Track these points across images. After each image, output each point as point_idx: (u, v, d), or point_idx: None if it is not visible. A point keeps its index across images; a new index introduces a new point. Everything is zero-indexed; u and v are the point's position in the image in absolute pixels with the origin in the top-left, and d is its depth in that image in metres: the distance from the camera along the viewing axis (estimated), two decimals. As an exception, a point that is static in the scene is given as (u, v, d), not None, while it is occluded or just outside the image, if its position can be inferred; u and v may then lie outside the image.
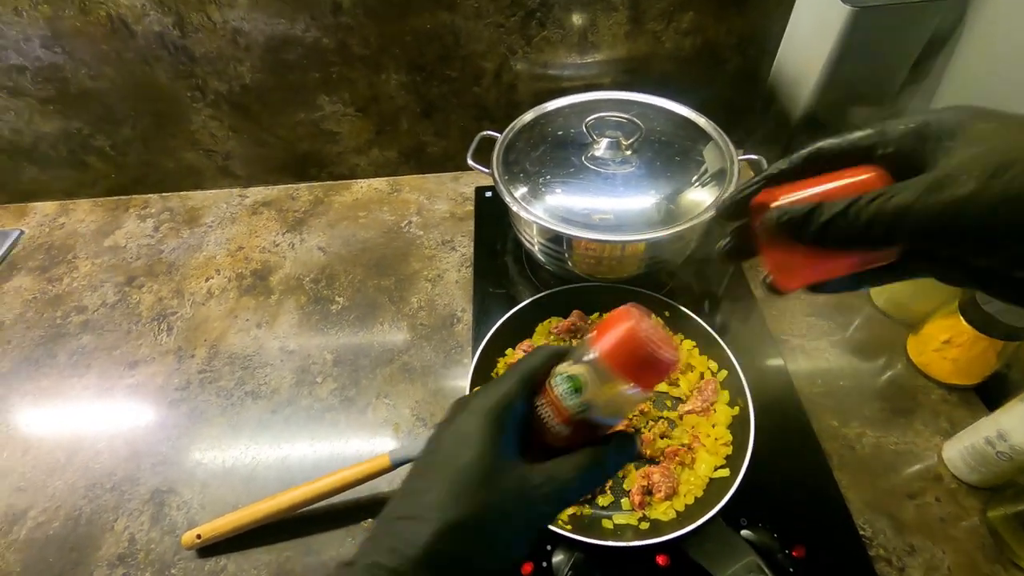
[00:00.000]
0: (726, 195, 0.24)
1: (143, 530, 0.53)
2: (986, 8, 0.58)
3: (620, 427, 0.33)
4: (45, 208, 0.88)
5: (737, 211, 0.29)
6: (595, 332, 0.29)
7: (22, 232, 0.84)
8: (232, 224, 0.83)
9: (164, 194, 0.89)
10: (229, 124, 0.79)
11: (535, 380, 0.30)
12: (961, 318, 0.54)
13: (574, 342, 0.61)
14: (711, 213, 0.57)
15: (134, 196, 0.89)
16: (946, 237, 0.22)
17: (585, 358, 0.28)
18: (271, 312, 0.71)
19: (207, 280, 0.75)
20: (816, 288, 0.28)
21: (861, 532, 0.49)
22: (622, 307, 0.29)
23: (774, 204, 0.26)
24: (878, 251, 0.25)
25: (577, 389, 0.28)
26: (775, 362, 0.61)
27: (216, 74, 0.73)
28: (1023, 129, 0.22)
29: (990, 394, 0.56)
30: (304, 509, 0.51)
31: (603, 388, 0.28)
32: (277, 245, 0.79)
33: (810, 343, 0.63)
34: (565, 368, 0.29)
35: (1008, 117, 0.23)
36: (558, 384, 0.29)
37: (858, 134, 0.26)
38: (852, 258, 0.26)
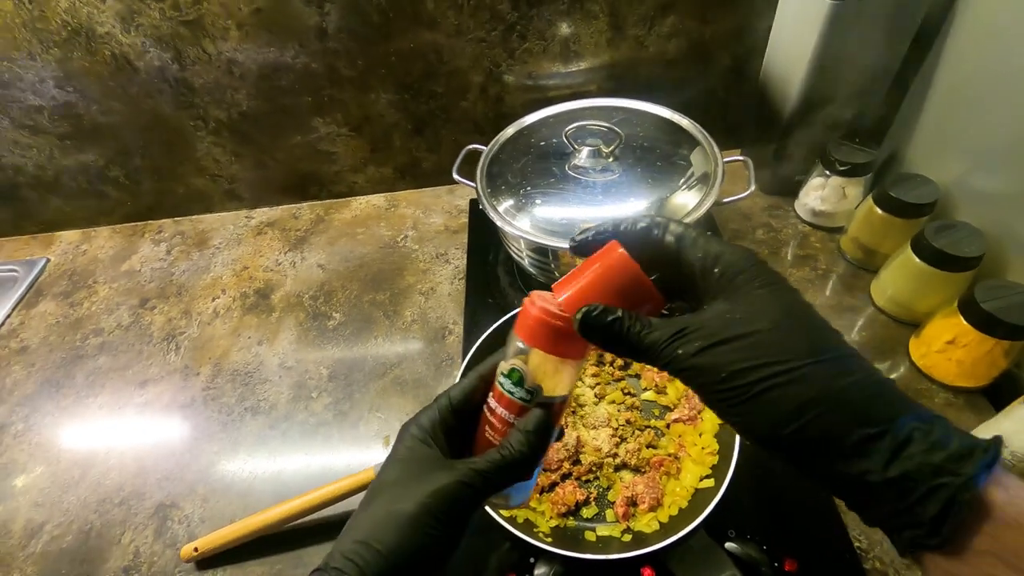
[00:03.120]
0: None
1: (147, 543, 0.55)
2: (977, -8, 0.55)
3: None
4: (69, 236, 0.93)
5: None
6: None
7: (48, 260, 0.90)
8: (238, 245, 0.86)
9: (177, 219, 0.93)
10: (231, 149, 0.82)
11: (466, 397, 0.32)
12: (962, 317, 0.52)
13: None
14: (696, 215, 0.56)
15: (149, 222, 0.93)
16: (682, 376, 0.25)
17: (513, 349, 0.30)
18: (272, 329, 0.73)
19: (213, 300, 0.79)
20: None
21: (856, 544, 0.47)
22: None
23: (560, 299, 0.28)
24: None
25: (519, 380, 0.29)
26: (769, 367, 0.60)
27: (215, 103, 0.76)
28: (764, 307, 0.24)
29: (1000, 396, 0.53)
30: (296, 522, 0.53)
31: (537, 369, 0.29)
32: (279, 264, 0.82)
33: (807, 346, 0.61)
34: (504, 366, 0.30)
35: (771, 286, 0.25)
36: (503, 383, 0.30)
37: (668, 238, 0.28)
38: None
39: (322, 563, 0.29)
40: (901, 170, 0.68)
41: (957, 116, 0.60)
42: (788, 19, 0.66)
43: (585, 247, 0.30)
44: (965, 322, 0.52)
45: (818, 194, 0.70)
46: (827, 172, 0.67)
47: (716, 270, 0.25)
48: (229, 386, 0.68)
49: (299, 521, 0.52)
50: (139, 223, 0.93)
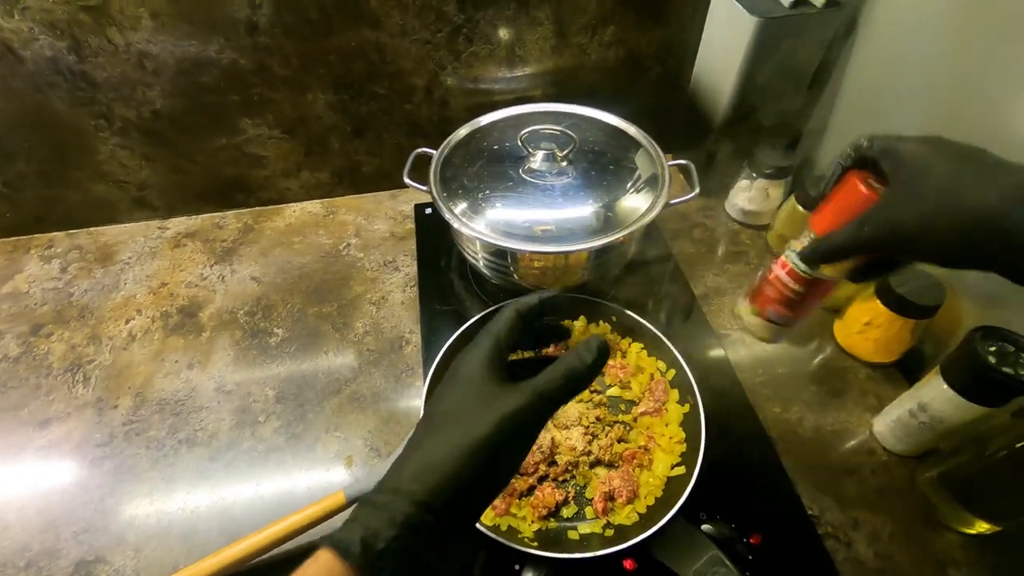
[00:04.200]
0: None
1: (68, 608, 0.48)
2: (874, 16, 0.63)
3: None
4: (-74, 255, 0.78)
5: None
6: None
7: (-101, 284, 0.75)
8: (152, 259, 0.77)
9: (71, 231, 0.81)
10: (141, 152, 0.73)
11: (511, 334, 0.34)
12: (879, 301, 0.59)
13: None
14: (649, 218, 0.59)
15: (35, 235, 0.80)
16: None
17: (806, 233, 0.40)
18: (203, 351, 0.66)
19: (127, 322, 0.69)
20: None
21: (809, 512, 0.51)
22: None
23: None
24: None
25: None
26: (717, 355, 0.64)
27: (122, 100, 0.68)
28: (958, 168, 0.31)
29: (909, 369, 0.61)
30: (256, 560, 0.48)
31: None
32: (205, 278, 0.74)
33: (748, 335, 0.66)
34: (796, 244, 0.40)
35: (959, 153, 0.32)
36: (791, 257, 0.40)
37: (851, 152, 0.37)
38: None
39: (379, 486, 0.29)
40: (813, 173, 0.76)
41: (861, 121, 0.69)
42: (716, 34, 0.71)
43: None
44: (880, 305, 0.59)
45: (745, 195, 0.76)
46: (753, 175, 0.74)
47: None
48: (156, 417, 0.60)
49: (263, 558, 0.47)
50: (22, 237, 0.80)
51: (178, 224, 0.82)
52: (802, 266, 0.40)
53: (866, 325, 0.61)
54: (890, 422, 0.54)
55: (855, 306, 0.62)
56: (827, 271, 0.40)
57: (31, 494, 0.55)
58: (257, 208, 0.83)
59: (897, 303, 0.57)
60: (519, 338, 0.35)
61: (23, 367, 0.65)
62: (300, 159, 0.79)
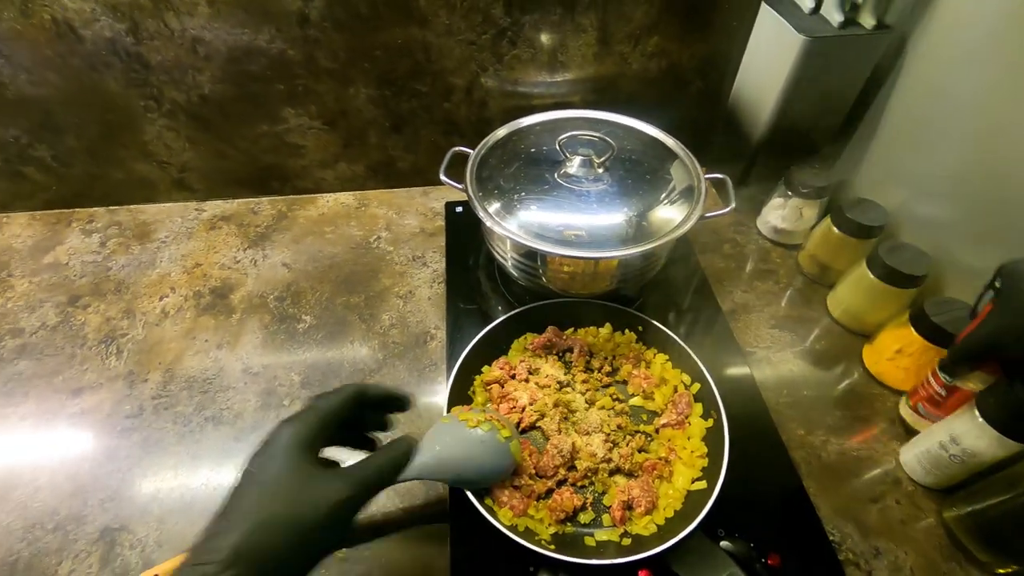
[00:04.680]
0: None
1: (91, 573, 0.49)
2: (924, 41, 0.63)
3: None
4: (-27, 222, 0.81)
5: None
6: None
7: (-53, 248, 0.77)
8: (188, 239, 0.79)
9: (112, 207, 0.83)
10: (186, 135, 0.75)
11: (339, 418, 0.38)
12: (912, 329, 0.58)
13: (549, 359, 0.61)
14: (683, 229, 0.59)
15: (77, 210, 0.83)
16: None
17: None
18: (232, 332, 0.67)
19: (161, 299, 0.71)
20: None
21: (831, 537, 0.51)
22: None
23: None
24: None
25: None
26: (743, 372, 0.63)
27: (173, 83, 0.70)
28: None
29: (939, 400, 0.60)
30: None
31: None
32: (238, 262, 0.76)
33: (775, 354, 0.65)
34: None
35: None
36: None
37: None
38: None
39: (195, 555, 0.31)
40: (851, 195, 0.75)
41: (901, 150, 0.68)
42: (761, 49, 0.71)
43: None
44: (913, 333, 0.58)
45: (779, 213, 0.76)
46: (788, 193, 0.73)
47: None
48: (185, 394, 0.61)
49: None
50: (65, 210, 0.83)
51: (214, 207, 0.84)
52: (944, 375, 0.52)
53: (897, 352, 0.60)
54: (919, 453, 0.53)
55: (886, 332, 0.62)
56: (969, 383, 0.51)
57: (62, 459, 0.56)
58: (292, 196, 0.85)
59: (932, 332, 0.56)
60: (340, 432, 0.38)
61: (60, 336, 0.67)
62: (338, 151, 0.80)
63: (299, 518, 0.31)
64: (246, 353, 0.65)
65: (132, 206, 0.83)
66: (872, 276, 0.62)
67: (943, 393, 0.53)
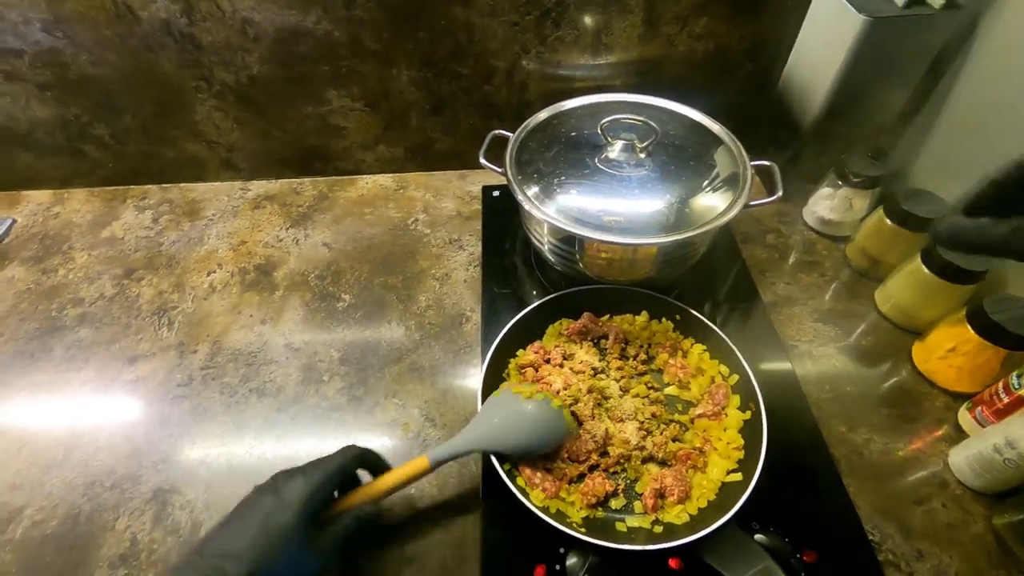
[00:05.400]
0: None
1: (145, 530, 0.52)
2: (999, 21, 0.59)
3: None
4: (39, 197, 0.86)
5: None
6: None
7: (14, 221, 0.82)
8: (234, 218, 0.82)
9: (164, 185, 0.87)
10: (234, 116, 0.78)
11: (344, 476, 0.46)
12: (967, 327, 0.55)
13: (584, 345, 0.61)
14: (727, 217, 0.57)
15: (132, 187, 0.87)
16: None
17: None
18: (275, 308, 0.70)
19: (209, 274, 0.74)
20: None
21: (870, 537, 0.49)
22: None
23: None
24: None
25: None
26: (783, 367, 0.62)
27: (223, 64, 0.71)
28: None
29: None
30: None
31: None
32: (281, 240, 0.78)
33: (817, 348, 0.64)
34: None
35: None
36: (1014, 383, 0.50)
37: None
38: None
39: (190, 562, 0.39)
40: (906, 186, 0.72)
41: (963, 140, 0.64)
42: (817, 31, 0.68)
43: None
44: (969, 330, 0.55)
45: (828, 203, 0.73)
46: (839, 183, 0.70)
47: None
48: (231, 366, 0.64)
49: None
50: (120, 187, 0.87)
51: (259, 187, 0.86)
52: (1015, 382, 0.50)
53: (950, 351, 0.57)
54: (970, 456, 0.51)
55: (939, 330, 0.59)
56: None
57: (120, 423, 0.60)
58: (333, 177, 0.87)
59: (990, 330, 0.53)
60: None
61: (116, 306, 0.71)
62: (379, 132, 0.81)
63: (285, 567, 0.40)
64: (288, 329, 0.67)
65: (182, 184, 0.87)
66: (927, 271, 0.59)
67: (1005, 400, 0.51)
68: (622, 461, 0.53)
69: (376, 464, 0.49)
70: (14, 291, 0.73)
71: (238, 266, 0.75)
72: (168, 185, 0.87)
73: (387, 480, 0.47)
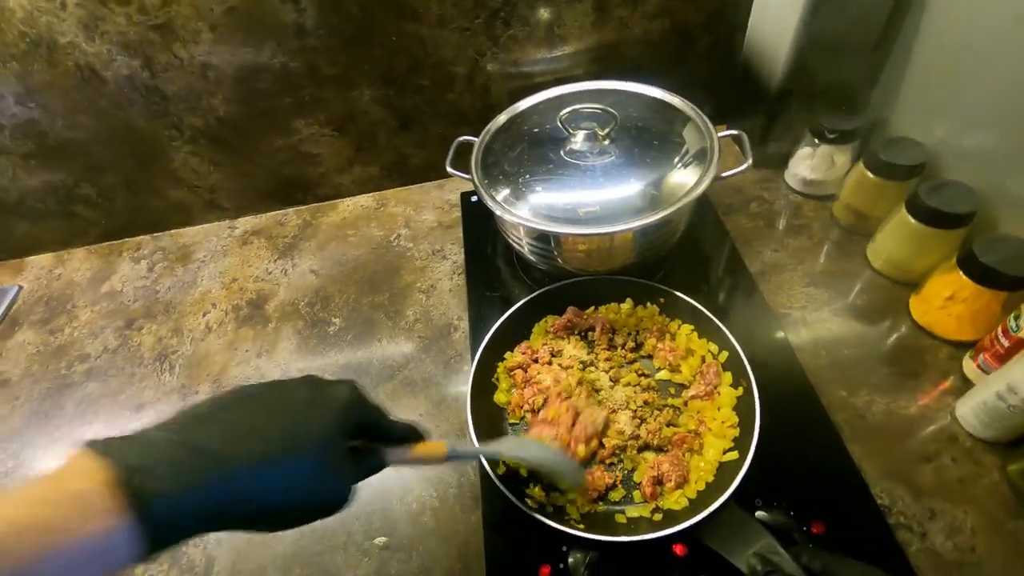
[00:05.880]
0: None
1: (163, 570, 0.53)
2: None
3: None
4: (41, 261, 0.89)
5: None
6: None
7: (20, 288, 0.85)
8: (224, 256, 0.84)
9: (155, 234, 0.89)
10: (209, 158, 0.79)
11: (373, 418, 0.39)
12: (961, 272, 0.53)
13: (571, 339, 0.61)
14: (696, 193, 0.56)
15: (126, 239, 0.89)
16: None
17: None
18: (270, 340, 0.71)
19: (204, 315, 0.76)
20: None
21: (879, 501, 0.48)
22: None
23: None
24: None
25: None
26: (777, 337, 0.60)
27: (190, 110, 0.73)
28: None
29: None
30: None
31: None
32: (270, 273, 0.80)
33: (811, 314, 0.62)
34: None
35: None
36: (1012, 325, 0.48)
37: None
38: None
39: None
40: (887, 135, 0.69)
41: (940, 78, 0.62)
42: (770, -8, 0.66)
43: None
44: (964, 277, 0.53)
45: (808, 163, 0.71)
46: (816, 141, 0.68)
47: None
48: (231, 402, 0.65)
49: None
50: (115, 242, 0.89)
51: (245, 223, 0.88)
52: (1013, 325, 0.48)
53: (948, 300, 0.56)
54: (975, 405, 0.49)
55: (935, 279, 0.57)
56: None
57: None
58: (314, 204, 0.88)
59: (983, 274, 0.51)
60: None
61: (120, 357, 0.73)
62: (351, 154, 0.82)
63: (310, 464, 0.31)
64: (283, 359, 0.69)
65: (172, 230, 0.89)
66: (913, 220, 0.58)
67: (1008, 346, 0.49)
68: (618, 452, 0.53)
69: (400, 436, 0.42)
70: (26, 355, 0.76)
71: (231, 303, 0.77)
72: (159, 233, 0.89)
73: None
